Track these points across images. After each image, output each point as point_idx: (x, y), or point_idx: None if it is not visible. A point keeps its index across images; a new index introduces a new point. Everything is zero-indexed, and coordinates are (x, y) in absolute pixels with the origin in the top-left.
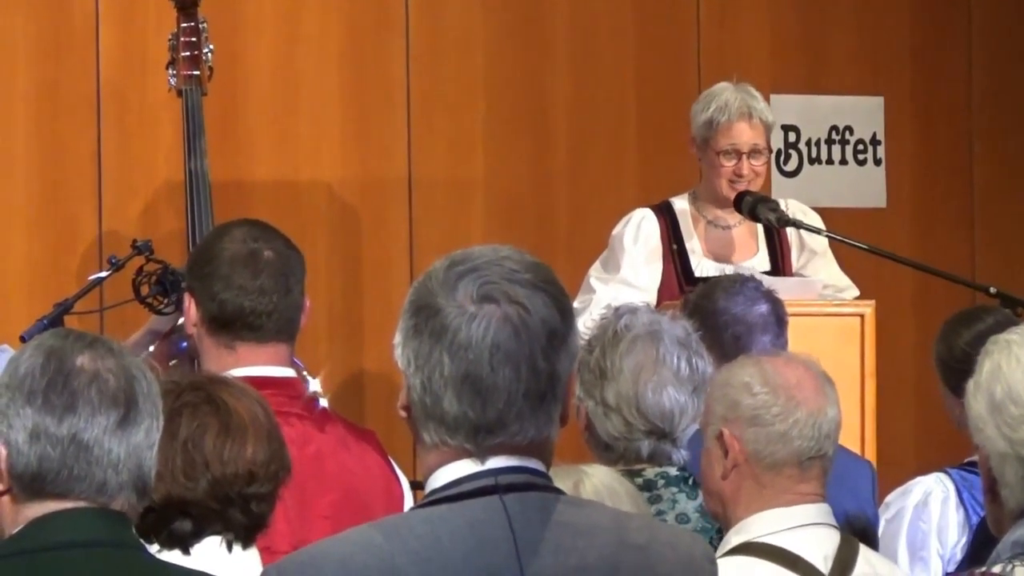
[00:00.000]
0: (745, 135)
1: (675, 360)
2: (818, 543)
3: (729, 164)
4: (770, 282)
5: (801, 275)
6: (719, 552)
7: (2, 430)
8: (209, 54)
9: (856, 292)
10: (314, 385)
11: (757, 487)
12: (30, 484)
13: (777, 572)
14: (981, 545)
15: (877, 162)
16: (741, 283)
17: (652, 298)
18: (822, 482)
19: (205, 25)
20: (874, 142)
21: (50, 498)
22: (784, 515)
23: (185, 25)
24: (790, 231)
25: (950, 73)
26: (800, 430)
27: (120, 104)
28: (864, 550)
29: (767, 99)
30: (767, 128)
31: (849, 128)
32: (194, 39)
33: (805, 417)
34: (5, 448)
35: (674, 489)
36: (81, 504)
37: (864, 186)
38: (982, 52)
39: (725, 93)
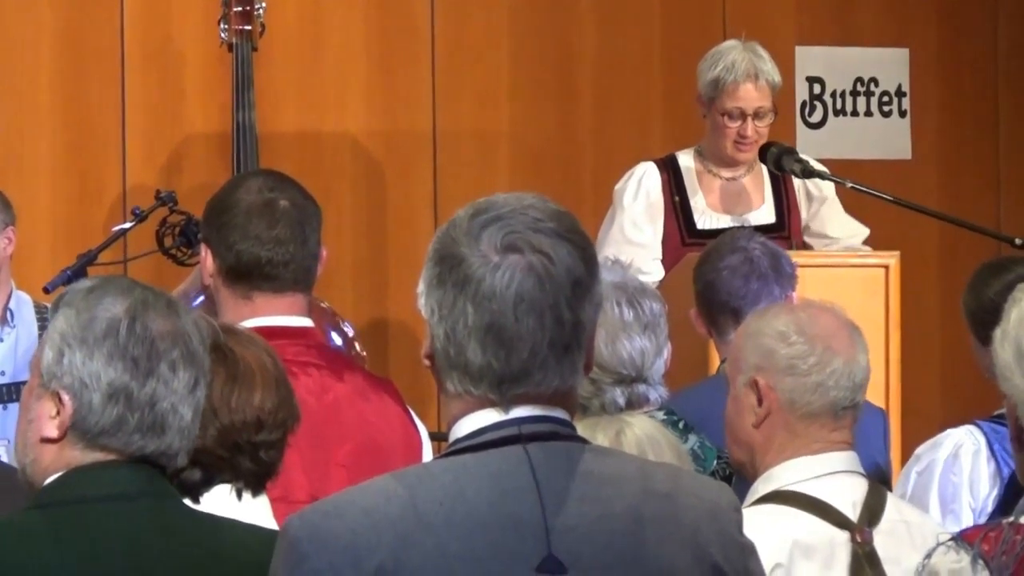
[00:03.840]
0: (751, 97)
1: (616, 309)
2: (847, 490)
3: (734, 125)
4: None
5: (820, 233)
6: (747, 502)
7: (71, 384)
8: (261, 10)
9: (867, 232)
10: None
11: (789, 436)
12: (93, 438)
13: (807, 519)
14: (1014, 497)
15: (902, 114)
16: (739, 248)
17: (655, 253)
18: (852, 431)
19: None
20: (899, 94)
21: (100, 450)
22: (812, 463)
23: None
24: (796, 184)
25: (976, 25)
26: (836, 380)
27: (144, 54)
28: (892, 498)
29: (792, 51)
30: (773, 89)
31: (874, 80)
32: None
33: (841, 367)
34: (73, 403)
35: None
36: (123, 456)
37: (889, 138)
38: (1009, 3)
39: (732, 52)
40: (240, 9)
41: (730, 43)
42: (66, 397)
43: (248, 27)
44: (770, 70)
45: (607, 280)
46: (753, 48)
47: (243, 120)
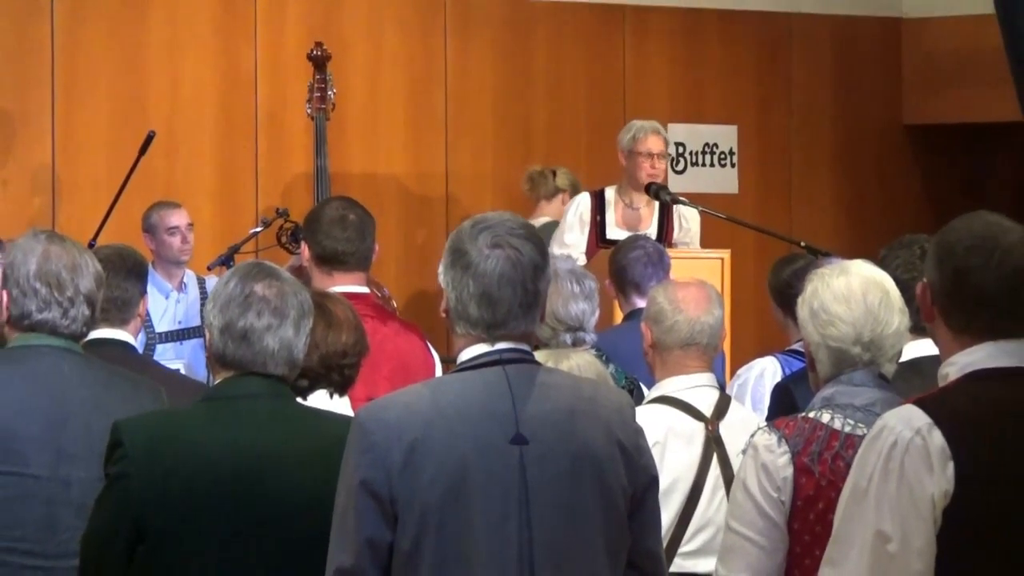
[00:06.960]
0: (655, 142)
1: (568, 284)
2: (705, 397)
3: (647, 163)
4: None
5: (683, 242)
6: (644, 402)
7: (210, 323)
8: (332, 94)
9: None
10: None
11: (661, 361)
12: (219, 359)
13: (676, 414)
14: (775, 403)
15: (733, 165)
16: (640, 247)
17: (578, 252)
18: (706, 359)
19: (331, 76)
20: (731, 153)
21: (224, 368)
22: (685, 380)
23: (318, 76)
24: (675, 215)
25: (778, 112)
26: (679, 327)
27: (270, 126)
28: (734, 403)
29: (666, 126)
30: (666, 143)
31: (716, 144)
32: (323, 85)
33: (683, 319)
34: (210, 334)
35: None
36: (252, 370)
37: (725, 180)
38: (799, 99)
39: (640, 121)
40: (318, 94)
41: (636, 120)
42: (206, 332)
43: (323, 106)
44: (664, 131)
45: (564, 267)
46: (653, 120)
47: (320, 164)
